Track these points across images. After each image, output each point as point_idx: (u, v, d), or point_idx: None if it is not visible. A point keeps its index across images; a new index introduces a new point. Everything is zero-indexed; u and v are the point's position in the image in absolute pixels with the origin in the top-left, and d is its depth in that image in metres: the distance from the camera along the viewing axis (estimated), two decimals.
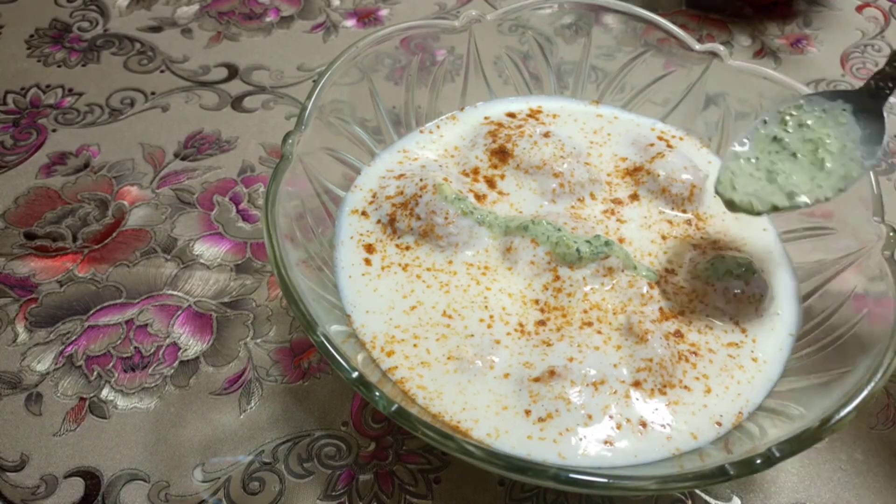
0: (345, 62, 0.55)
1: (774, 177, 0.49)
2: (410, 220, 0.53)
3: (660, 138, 0.61)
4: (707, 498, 0.49)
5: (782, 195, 0.48)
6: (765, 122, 0.51)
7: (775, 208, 0.48)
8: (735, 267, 0.49)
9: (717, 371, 0.47)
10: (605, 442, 0.43)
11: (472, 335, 0.48)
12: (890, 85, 0.47)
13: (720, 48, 0.59)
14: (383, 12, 0.86)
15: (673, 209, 0.56)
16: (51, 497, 0.49)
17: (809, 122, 0.50)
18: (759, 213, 0.48)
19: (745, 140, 0.51)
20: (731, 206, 0.49)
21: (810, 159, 0.48)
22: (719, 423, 0.45)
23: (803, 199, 0.47)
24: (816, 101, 0.50)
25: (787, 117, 0.50)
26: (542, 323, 0.49)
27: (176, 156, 0.69)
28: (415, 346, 0.48)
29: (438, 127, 0.62)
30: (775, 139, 0.50)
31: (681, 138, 0.62)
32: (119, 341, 0.56)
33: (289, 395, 0.53)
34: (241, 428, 0.52)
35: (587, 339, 0.47)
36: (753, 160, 0.50)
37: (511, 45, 0.63)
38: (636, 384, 0.46)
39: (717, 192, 0.50)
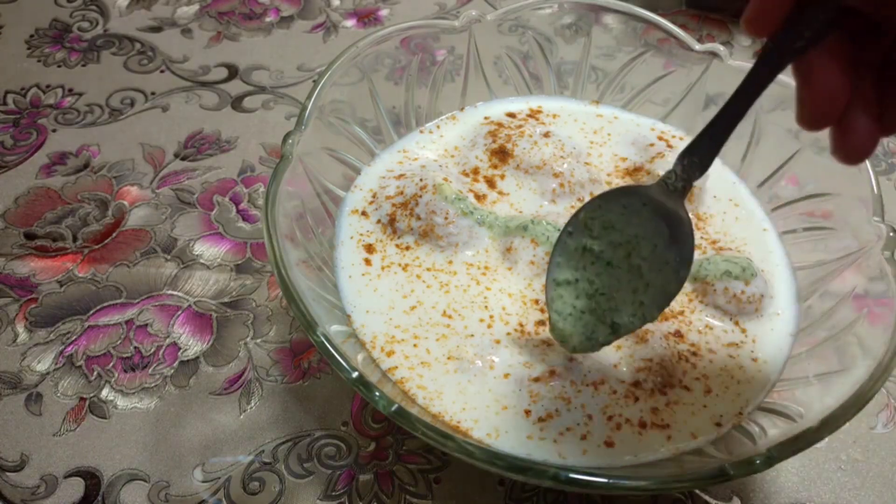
0: (345, 62, 0.55)
1: (597, 302, 0.43)
2: (410, 220, 0.53)
3: (660, 138, 0.61)
4: (707, 498, 0.49)
5: (605, 328, 0.43)
6: (570, 233, 0.44)
7: (605, 344, 0.43)
8: (735, 267, 0.49)
9: (716, 371, 0.47)
10: (605, 442, 0.43)
11: (472, 335, 0.48)
12: (681, 186, 0.40)
13: (720, 48, 0.59)
14: (383, 12, 0.86)
15: None
16: (51, 497, 0.49)
17: (613, 221, 0.43)
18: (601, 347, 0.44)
19: (559, 261, 0.44)
20: (574, 351, 0.45)
21: (626, 267, 0.43)
22: (719, 423, 0.45)
23: (626, 329, 0.42)
24: (613, 196, 0.43)
25: (590, 221, 0.43)
26: (542, 323, 0.49)
27: (176, 156, 0.69)
28: (415, 346, 0.48)
29: (438, 127, 0.62)
30: (586, 249, 0.44)
31: (681, 138, 0.62)
32: (119, 341, 0.56)
33: (289, 395, 0.53)
34: (241, 428, 0.52)
35: None
36: (573, 284, 0.44)
37: (511, 45, 0.63)
38: (636, 384, 0.46)
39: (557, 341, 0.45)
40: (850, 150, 0.33)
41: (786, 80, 0.56)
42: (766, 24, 0.33)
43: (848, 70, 0.32)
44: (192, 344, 0.56)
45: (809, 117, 0.33)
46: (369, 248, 0.53)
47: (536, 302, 0.50)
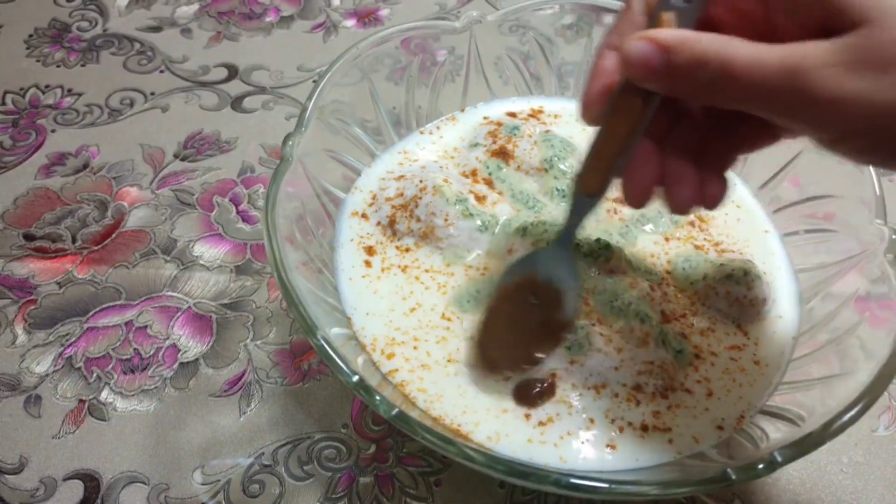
0: (345, 63, 0.54)
1: None
2: (410, 221, 0.53)
3: None
4: (708, 500, 0.49)
5: None
6: None
7: None
8: (737, 270, 0.49)
9: (718, 374, 0.47)
10: (607, 445, 0.43)
11: (473, 337, 0.48)
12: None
13: None
14: (383, 12, 0.86)
15: None
16: (50, 500, 0.48)
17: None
18: None
19: None
20: None
21: None
22: (721, 427, 0.45)
23: None
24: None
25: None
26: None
27: (175, 156, 0.69)
28: (415, 348, 0.47)
29: (438, 128, 0.62)
30: None
31: None
32: (118, 343, 0.56)
33: (289, 397, 0.53)
34: (241, 430, 0.52)
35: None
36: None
37: (512, 45, 0.63)
38: (637, 387, 0.45)
39: None
40: (675, 210, 0.39)
41: None
42: (593, 116, 0.38)
43: (661, 157, 0.38)
44: (192, 346, 0.56)
45: (633, 200, 0.39)
46: (369, 251, 0.52)
47: None
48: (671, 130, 0.39)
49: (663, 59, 0.32)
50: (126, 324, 0.57)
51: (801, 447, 0.38)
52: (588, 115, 0.38)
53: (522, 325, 0.45)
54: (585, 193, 0.41)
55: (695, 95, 0.34)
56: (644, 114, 0.36)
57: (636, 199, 0.39)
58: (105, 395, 0.53)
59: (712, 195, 0.38)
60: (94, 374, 0.54)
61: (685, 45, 0.31)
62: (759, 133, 0.38)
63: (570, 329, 0.45)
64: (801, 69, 0.29)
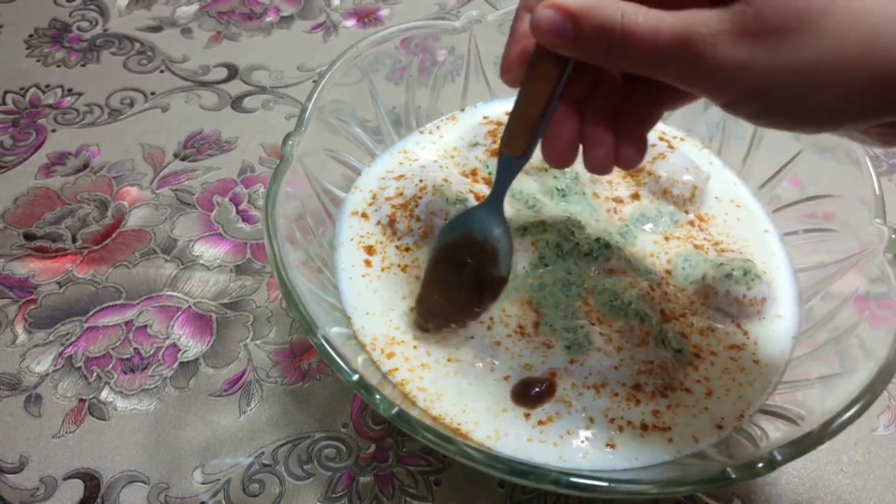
0: (345, 62, 0.54)
1: None
2: (410, 221, 0.53)
3: (661, 139, 0.61)
4: (708, 500, 0.49)
5: None
6: None
7: None
8: (737, 270, 0.49)
9: (718, 373, 0.47)
10: (607, 445, 0.43)
11: (472, 337, 0.48)
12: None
13: None
14: (383, 12, 0.86)
15: (675, 210, 0.56)
16: (50, 499, 0.48)
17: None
18: None
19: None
20: None
21: None
22: (720, 426, 0.45)
23: None
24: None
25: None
26: (538, 324, 0.48)
27: (176, 156, 0.69)
28: (415, 347, 0.48)
29: (438, 128, 0.62)
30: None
31: (682, 139, 0.62)
32: (119, 342, 0.56)
33: (289, 396, 0.53)
34: (241, 430, 0.52)
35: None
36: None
37: None
38: (637, 387, 0.45)
39: None
40: (593, 170, 0.40)
41: None
42: (512, 79, 0.39)
43: (580, 119, 0.39)
44: (192, 345, 0.56)
45: (553, 161, 0.40)
46: (369, 250, 0.53)
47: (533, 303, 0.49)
48: (590, 93, 0.39)
49: (570, 26, 0.33)
50: (126, 323, 0.57)
51: (801, 446, 0.38)
52: (507, 78, 0.39)
53: (459, 282, 0.47)
54: (511, 155, 0.42)
55: (602, 61, 0.34)
56: (559, 77, 0.37)
57: (555, 160, 0.40)
58: (105, 394, 0.53)
59: (629, 157, 0.39)
60: (95, 374, 0.54)
61: (590, 14, 0.32)
62: (678, 93, 0.38)
63: (505, 284, 0.47)
64: (690, 38, 0.30)
